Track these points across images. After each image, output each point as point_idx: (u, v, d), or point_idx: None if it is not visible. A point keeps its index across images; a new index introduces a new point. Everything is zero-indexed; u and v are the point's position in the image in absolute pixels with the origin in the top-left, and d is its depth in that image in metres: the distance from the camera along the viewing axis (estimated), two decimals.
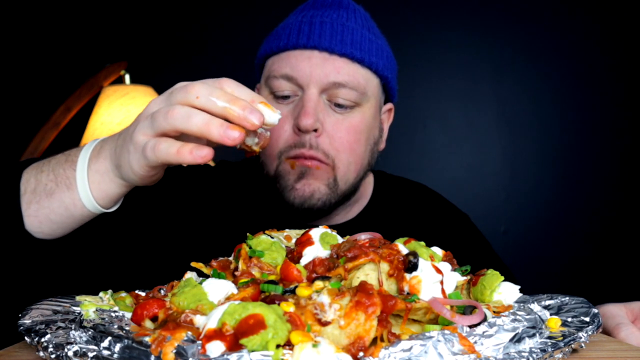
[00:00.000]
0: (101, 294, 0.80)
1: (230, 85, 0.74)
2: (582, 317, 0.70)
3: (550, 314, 0.74)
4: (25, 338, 0.62)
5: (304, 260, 0.75)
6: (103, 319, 0.67)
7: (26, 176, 0.85)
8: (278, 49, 1.15)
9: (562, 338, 0.62)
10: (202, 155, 0.70)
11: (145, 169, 0.75)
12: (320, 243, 0.77)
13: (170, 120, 0.70)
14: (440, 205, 1.42)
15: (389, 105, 1.31)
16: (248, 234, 0.83)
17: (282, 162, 1.14)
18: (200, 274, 0.83)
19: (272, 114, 0.73)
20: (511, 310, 0.68)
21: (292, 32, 1.14)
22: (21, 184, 0.84)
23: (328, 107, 1.13)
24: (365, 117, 1.17)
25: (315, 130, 1.10)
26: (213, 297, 0.64)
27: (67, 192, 0.81)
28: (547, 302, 0.79)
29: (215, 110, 0.70)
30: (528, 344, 0.60)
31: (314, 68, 1.10)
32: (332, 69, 1.11)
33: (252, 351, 0.50)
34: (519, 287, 0.79)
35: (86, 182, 0.80)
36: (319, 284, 0.63)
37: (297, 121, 1.09)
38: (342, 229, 0.94)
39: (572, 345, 0.62)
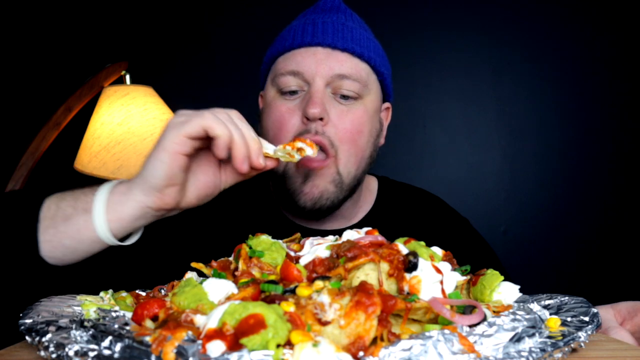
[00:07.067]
0: (102, 293, 0.81)
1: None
2: (582, 317, 0.70)
3: (550, 314, 0.74)
4: (26, 337, 0.62)
5: (304, 260, 0.75)
6: (104, 318, 0.67)
7: (47, 203, 0.87)
8: (284, 49, 1.21)
9: (561, 338, 0.62)
10: None
11: None
12: None
13: None
14: (442, 210, 1.45)
15: (387, 104, 1.35)
16: (250, 235, 0.84)
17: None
18: (201, 274, 0.84)
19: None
20: (511, 310, 0.68)
21: (296, 33, 1.20)
22: (41, 211, 0.86)
23: (333, 99, 1.19)
24: (367, 110, 1.22)
25: (322, 120, 1.15)
26: (213, 297, 0.64)
27: (83, 217, 0.84)
28: (547, 302, 0.80)
29: None
30: (528, 343, 0.60)
31: (319, 62, 1.17)
32: (335, 62, 1.17)
33: (253, 351, 0.50)
34: (518, 286, 0.79)
35: (103, 207, 0.84)
36: (319, 283, 0.63)
37: (305, 110, 1.14)
38: None
39: (572, 345, 0.62)
